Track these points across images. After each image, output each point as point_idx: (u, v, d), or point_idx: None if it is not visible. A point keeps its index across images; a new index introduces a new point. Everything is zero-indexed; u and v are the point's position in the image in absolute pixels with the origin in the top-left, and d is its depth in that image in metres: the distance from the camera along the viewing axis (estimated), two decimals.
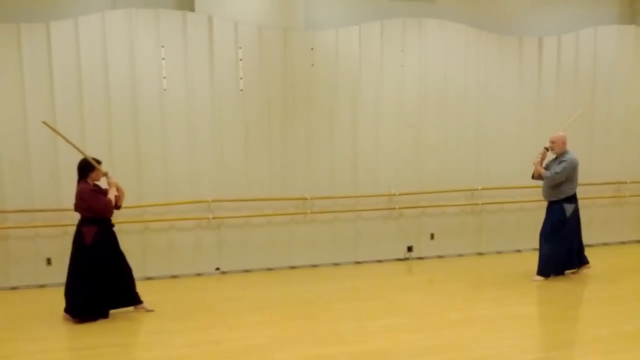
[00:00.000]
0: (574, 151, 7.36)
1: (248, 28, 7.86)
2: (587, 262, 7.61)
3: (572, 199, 7.29)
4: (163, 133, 7.67)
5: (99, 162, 6.04)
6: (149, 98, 7.58)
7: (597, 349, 4.88)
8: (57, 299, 6.84)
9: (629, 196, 9.59)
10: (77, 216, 7.40)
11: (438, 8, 8.80)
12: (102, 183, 6.15)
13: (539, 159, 7.43)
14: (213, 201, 7.84)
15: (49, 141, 7.30)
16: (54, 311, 6.35)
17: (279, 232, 8.25)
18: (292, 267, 8.30)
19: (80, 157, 5.97)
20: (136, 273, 7.63)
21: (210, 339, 5.26)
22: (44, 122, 6.08)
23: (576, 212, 7.34)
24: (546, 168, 7.40)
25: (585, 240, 9.41)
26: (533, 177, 7.55)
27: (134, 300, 6.24)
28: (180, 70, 7.67)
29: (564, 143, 7.26)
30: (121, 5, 7.55)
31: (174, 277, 7.87)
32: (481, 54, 8.83)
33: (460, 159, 8.84)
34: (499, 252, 9.14)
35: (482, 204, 8.95)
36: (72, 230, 7.33)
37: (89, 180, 5.95)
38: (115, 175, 7.43)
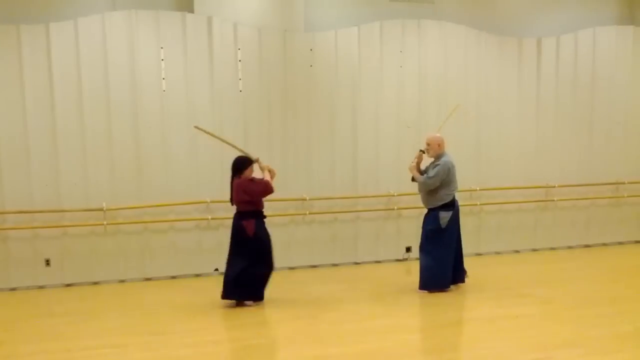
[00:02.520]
0: (451, 154, 6.93)
1: (247, 29, 7.87)
2: (463, 278, 7.07)
3: (450, 205, 6.75)
4: (162, 134, 7.68)
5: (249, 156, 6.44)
6: (148, 99, 7.59)
7: (596, 349, 4.89)
8: (57, 300, 6.86)
9: (628, 197, 9.59)
10: (75, 218, 7.46)
11: (437, 9, 8.81)
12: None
13: (415, 163, 6.85)
14: (212, 202, 7.84)
15: (48, 142, 7.32)
16: (54, 312, 6.36)
17: (279, 233, 8.20)
18: (291, 268, 8.30)
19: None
20: (135, 274, 7.72)
21: (210, 340, 5.26)
22: (197, 127, 6.49)
23: (454, 220, 6.81)
24: (424, 172, 6.86)
25: (584, 240, 9.45)
26: (413, 180, 6.95)
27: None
28: (180, 72, 7.67)
29: (439, 145, 6.75)
30: (121, 7, 7.55)
31: (173, 277, 7.87)
32: (480, 55, 8.84)
33: (459, 160, 8.72)
34: (497, 253, 9.14)
35: (480, 204, 8.96)
36: (72, 231, 7.44)
37: (243, 177, 6.33)
38: (114, 176, 7.51)
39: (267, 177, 6.42)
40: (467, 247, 8.92)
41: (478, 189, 8.85)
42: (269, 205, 8.07)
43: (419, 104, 8.61)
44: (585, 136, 9.33)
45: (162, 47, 7.59)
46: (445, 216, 6.71)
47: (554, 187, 9.16)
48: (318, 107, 8.24)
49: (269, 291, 6.99)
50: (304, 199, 8.20)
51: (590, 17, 9.48)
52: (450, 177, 6.69)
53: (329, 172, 8.34)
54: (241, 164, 6.37)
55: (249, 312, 6.14)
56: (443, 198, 6.71)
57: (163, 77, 7.62)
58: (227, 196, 7.86)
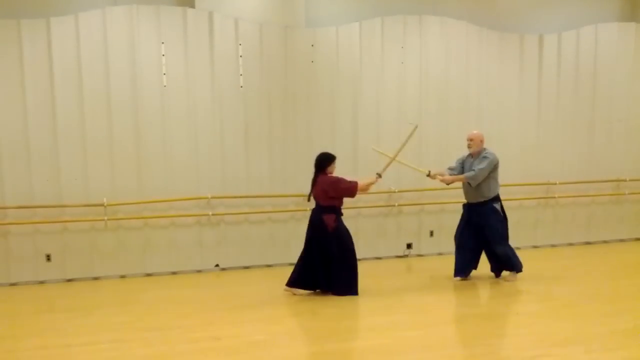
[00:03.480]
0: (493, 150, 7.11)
1: (248, 25, 7.85)
2: (471, 271, 7.30)
3: (498, 197, 7.02)
4: (163, 129, 7.67)
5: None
6: (149, 94, 7.58)
7: (597, 346, 4.88)
8: (57, 295, 6.86)
9: (629, 194, 9.59)
10: (76, 213, 7.46)
11: (438, 5, 8.79)
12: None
13: (443, 177, 7.06)
14: (213, 198, 7.84)
15: (48, 137, 7.32)
16: (54, 307, 6.37)
17: (279, 229, 8.25)
18: (292, 264, 8.23)
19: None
20: (136, 269, 7.73)
21: (210, 336, 5.26)
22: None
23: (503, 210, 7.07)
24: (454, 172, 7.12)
25: (585, 238, 9.48)
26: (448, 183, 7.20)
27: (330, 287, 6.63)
28: (181, 67, 7.67)
29: (481, 141, 7.02)
30: (122, 2, 7.54)
31: (173, 273, 7.88)
32: (481, 51, 8.83)
33: (460, 156, 8.81)
34: None
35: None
36: (72, 226, 7.44)
37: (327, 172, 6.51)
38: (115, 172, 7.51)
39: (365, 182, 6.54)
40: None
41: None
42: (268, 201, 8.12)
43: (419, 100, 8.60)
44: (586, 133, 9.32)
45: (162, 43, 7.58)
46: (498, 207, 6.97)
47: (555, 184, 9.15)
48: (319, 103, 8.23)
49: (269, 288, 7.01)
50: (304, 195, 8.18)
51: (592, 14, 9.46)
52: (498, 168, 6.92)
53: None
54: (325, 161, 6.55)
55: (248, 309, 6.14)
56: (495, 190, 6.95)
57: (164, 72, 7.61)
58: (228, 191, 7.92)
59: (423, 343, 5.06)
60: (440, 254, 8.83)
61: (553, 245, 9.31)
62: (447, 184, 7.24)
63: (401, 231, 8.74)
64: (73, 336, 5.35)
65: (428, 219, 8.79)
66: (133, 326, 5.63)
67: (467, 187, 7.02)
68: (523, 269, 7.13)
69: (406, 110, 8.54)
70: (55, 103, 7.31)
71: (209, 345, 5.04)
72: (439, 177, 7.08)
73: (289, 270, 6.82)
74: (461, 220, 7.24)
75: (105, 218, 7.49)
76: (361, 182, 6.51)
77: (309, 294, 6.63)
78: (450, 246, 8.91)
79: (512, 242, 9.08)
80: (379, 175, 6.65)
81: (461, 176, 6.98)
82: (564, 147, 9.24)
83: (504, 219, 7.02)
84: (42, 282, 7.48)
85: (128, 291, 7.10)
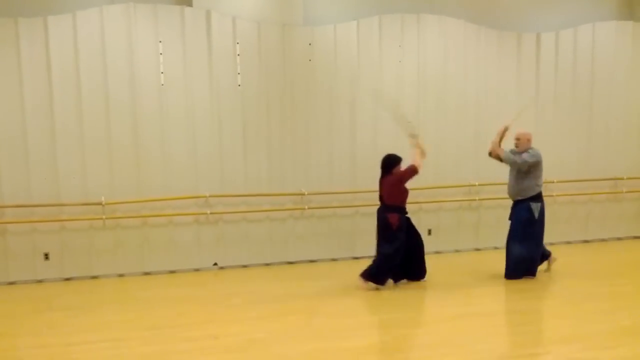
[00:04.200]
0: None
1: (246, 23, 7.85)
2: (549, 255, 7.44)
3: (539, 197, 7.04)
4: (161, 128, 7.66)
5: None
6: (147, 93, 7.57)
7: (595, 344, 4.90)
8: (55, 294, 6.86)
9: (626, 192, 9.60)
10: (74, 212, 7.46)
11: (436, 3, 8.79)
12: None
13: (498, 139, 7.14)
14: (211, 196, 7.83)
15: (46, 136, 7.31)
16: (52, 306, 6.36)
17: (277, 228, 8.25)
18: (290, 263, 8.31)
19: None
20: (134, 268, 7.73)
21: (209, 334, 5.26)
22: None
23: (543, 212, 7.06)
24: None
25: (583, 236, 9.53)
26: (490, 156, 7.26)
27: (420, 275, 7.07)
28: (178, 65, 7.66)
29: (529, 140, 7.07)
30: (119, 0, 7.52)
31: (172, 272, 7.87)
32: (479, 50, 8.83)
33: (459, 154, 8.84)
34: (496, 248, 9.10)
35: (479, 199, 8.96)
36: (70, 225, 7.45)
37: (393, 173, 6.76)
38: (113, 170, 7.51)
39: (417, 157, 6.74)
40: (465, 242, 9.01)
41: (477, 184, 8.86)
42: (267, 200, 8.12)
43: (417, 99, 8.60)
44: (584, 131, 9.33)
45: (160, 41, 7.57)
46: (536, 207, 6.99)
47: (553, 182, 9.15)
48: (317, 101, 8.23)
49: (268, 286, 7.02)
50: (303, 194, 8.20)
51: (590, 13, 9.47)
52: (540, 167, 6.98)
53: (328, 167, 8.34)
54: (392, 163, 6.78)
55: (247, 307, 6.14)
56: (534, 189, 6.98)
57: (161, 71, 7.60)
58: (226, 190, 7.92)
59: (420, 341, 5.07)
60: (438, 252, 8.82)
61: (551, 244, 9.23)
62: (489, 151, 7.25)
63: None
64: (72, 335, 5.35)
65: (426, 218, 8.78)
66: (131, 325, 5.63)
67: (510, 184, 7.13)
68: (531, 275, 7.14)
69: (404, 109, 8.52)
70: (52, 102, 7.30)
71: (207, 343, 5.04)
72: (491, 143, 7.17)
73: (287, 269, 6.85)
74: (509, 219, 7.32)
75: (104, 217, 7.48)
76: (414, 160, 6.73)
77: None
78: (448, 244, 8.99)
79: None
80: (413, 135, 6.91)
81: (502, 150, 7.05)
82: (561, 145, 9.24)
83: (536, 222, 7.00)
84: (40, 281, 7.47)
85: (126, 290, 7.09)
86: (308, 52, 8.14)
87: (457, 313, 5.85)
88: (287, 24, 8.02)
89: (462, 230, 9.00)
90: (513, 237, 7.10)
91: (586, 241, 9.51)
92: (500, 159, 7.11)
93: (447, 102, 8.74)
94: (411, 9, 8.61)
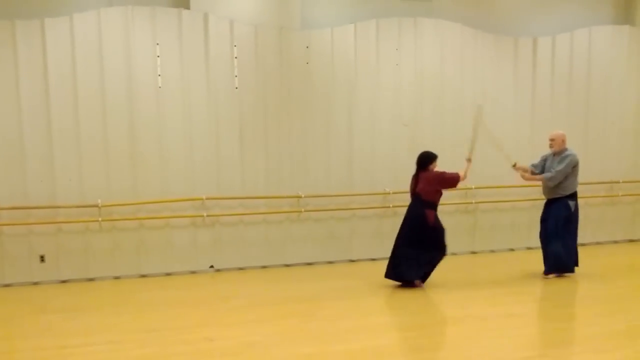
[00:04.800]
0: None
1: (243, 26, 7.86)
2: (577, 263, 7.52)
3: (575, 195, 7.26)
4: (158, 130, 7.66)
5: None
6: (144, 95, 7.57)
7: (591, 347, 4.91)
8: (52, 296, 6.84)
9: (622, 195, 9.64)
10: (70, 214, 7.45)
11: (434, 7, 8.82)
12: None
13: (522, 172, 7.42)
14: (208, 199, 7.83)
15: (43, 138, 7.30)
16: (48, 308, 6.35)
17: (274, 230, 8.25)
18: (287, 265, 8.31)
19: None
20: (131, 270, 7.71)
21: (205, 337, 5.25)
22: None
23: (577, 208, 7.31)
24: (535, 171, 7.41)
25: (579, 239, 9.47)
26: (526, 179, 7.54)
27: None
28: (176, 68, 7.66)
29: (563, 141, 7.23)
30: (117, 3, 7.53)
31: (168, 274, 7.87)
32: (476, 54, 8.86)
33: (455, 158, 8.82)
34: (492, 251, 9.17)
35: (476, 202, 8.98)
36: (67, 227, 7.44)
37: (430, 169, 6.90)
38: (109, 172, 7.50)
39: (465, 172, 6.98)
40: (461, 245, 9.02)
41: (473, 187, 8.86)
42: (263, 202, 8.13)
43: (415, 102, 8.62)
44: (580, 135, 9.35)
45: (157, 44, 7.57)
46: (572, 204, 7.20)
47: None
48: (314, 104, 8.24)
49: (264, 289, 7.02)
50: (300, 197, 8.20)
51: (586, 17, 9.51)
52: (578, 166, 7.17)
53: (325, 170, 8.35)
54: (428, 159, 6.92)
55: (243, 310, 6.14)
56: (572, 187, 7.18)
57: (159, 73, 7.60)
58: (223, 193, 7.92)
59: (418, 344, 5.08)
60: None
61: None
62: (525, 180, 7.51)
63: (396, 232, 8.71)
64: (68, 337, 5.34)
65: None
66: (127, 327, 5.62)
67: (546, 184, 7.26)
68: (569, 271, 7.35)
69: (401, 112, 8.56)
70: (49, 104, 7.29)
71: (203, 346, 5.04)
72: (521, 171, 7.39)
73: (284, 271, 6.85)
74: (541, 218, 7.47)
75: (100, 219, 7.47)
76: (461, 172, 6.90)
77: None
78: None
79: (506, 243, 9.20)
80: (469, 160, 7.06)
81: (540, 176, 7.26)
82: None
83: (571, 218, 7.20)
84: (36, 283, 7.45)
85: (123, 292, 7.08)
86: (305, 55, 8.16)
87: (454, 316, 5.85)
88: (284, 27, 8.04)
89: (458, 233, 8.99)
90: (552, 235, 7.24)
91: (582, 244, 9.48)
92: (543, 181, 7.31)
93: (444, 105, 8.76)
94: (408, 12, 8.64)
